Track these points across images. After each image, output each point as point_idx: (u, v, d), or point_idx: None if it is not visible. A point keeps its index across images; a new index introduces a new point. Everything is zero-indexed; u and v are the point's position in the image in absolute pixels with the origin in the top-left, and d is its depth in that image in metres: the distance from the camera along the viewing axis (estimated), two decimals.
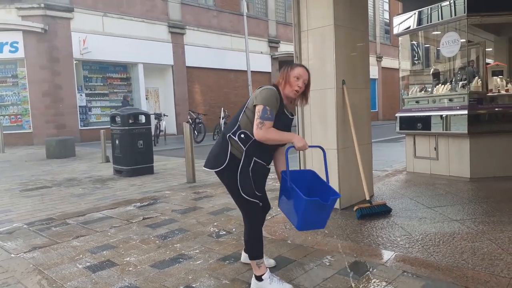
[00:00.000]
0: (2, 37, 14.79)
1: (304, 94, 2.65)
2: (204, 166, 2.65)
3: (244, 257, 2.99)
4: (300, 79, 2.56)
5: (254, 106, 2.46)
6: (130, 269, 2.99)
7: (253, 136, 2.46)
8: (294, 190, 2.42)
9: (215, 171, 2.57)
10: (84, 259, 3.22)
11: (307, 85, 2.63)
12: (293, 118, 2.71)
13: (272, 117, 2.44)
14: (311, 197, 2.40)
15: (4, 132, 13.06)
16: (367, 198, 4.18)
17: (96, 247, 3.49)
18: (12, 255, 3.39)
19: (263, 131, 2.41)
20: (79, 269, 3.01)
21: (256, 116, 2.44)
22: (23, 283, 2.81)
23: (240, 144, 2.51)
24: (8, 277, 2.94)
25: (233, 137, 2.53)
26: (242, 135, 2.52)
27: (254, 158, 2.55)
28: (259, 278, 2.55)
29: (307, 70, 2.63)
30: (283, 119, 2.57)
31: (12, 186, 6.77)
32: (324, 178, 2.66)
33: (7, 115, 15.53)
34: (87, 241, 3.67)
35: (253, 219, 2.60)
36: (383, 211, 4.09)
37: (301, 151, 4.36)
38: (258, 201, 2.60)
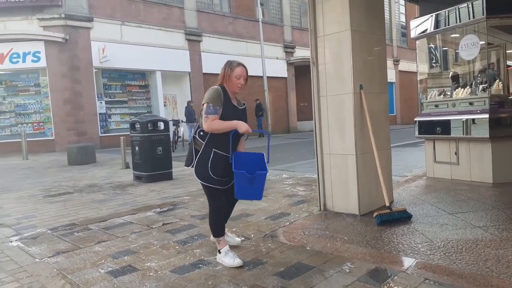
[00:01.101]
0: (24, 47, 15.24)
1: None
2: (185, 165, 3.23)
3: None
4: (241, 78, 3.08)
5: (203, 105, 2.98)
6: (151, 274, 3.03)
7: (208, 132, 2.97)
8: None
9: (191, 166, 3.10)
10: (106, 264, 3.27)
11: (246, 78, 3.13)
12: (244, 108, 3.23)
13: (216, 111, 2.95)
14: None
15: (27, 139, 13.40)
16: (387, 204, 4.14)
17: (118, 252, 3.55)
18: (37, 259, 3.47)
19: (208, 124, 2.94)
20: (101, 274, 3.07)
21: (202, 113, 2.97)
22: (47, 287, 2.88)
23: (200, 140, 3.06)
24: (33, 281, 3.01)
25: (195, 135, 3.08)
26: (201, 133, 3.06)
27: (214, 149, 3.04)
28: (219, 251, 3.18)
29: (245, 67, 3.13)
30: (232, 110, 3.08)
31: (36, 192, 6.94)
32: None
33: (30, 122, 15.95)
34: (108, 246, 3.73)
35: (215, 203, 3.15)
36: (403, 217, 4.04)
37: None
38: (219, 186, 3.09)
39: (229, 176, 3.13)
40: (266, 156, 3.14)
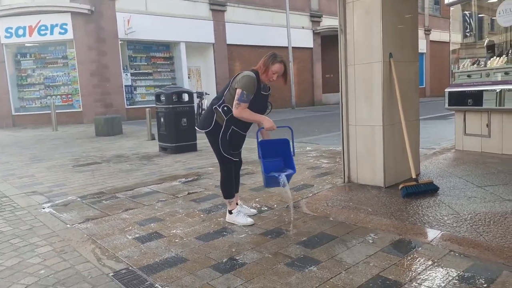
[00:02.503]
0: (52, 19, 15.42)
1: (284, 76, 3.24)
2: (196, 127, 3.46)
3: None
4: (276, 74, 3.17)
5: (235, 88, 3.11)
6: (177, 240, 3.11)
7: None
8: (261, 162, 3.18)
9: (204, 131, 3.29)
10: (133, 231, 3.37)
11: (284, 73, 3.22)
12: (269, 94, 3.37)
13: (247, 100, 3.09)
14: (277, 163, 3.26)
15: (56, 111, 13.76)
16: (413, 176, 4.06)
17: (144, 220, 3.65)
18: (68, 225, 3.61)
19: (238, 111, 3.10)
20: (129, 240, 3.17)
21: (235, 98, 3.10)
22: (78, 251, 3.00)
23: (223, 114, 3.21)
24: (65, 245, 3.14)
25: (218, 108, 3.22)
26: (225, 108, 3.21)
27: (232, 126, 3.25)
28: (230, 212, 3.43)
29: (285, 65, 3.21)
30: (259, 98, 3.22)
31: (65, 162, 7.17)
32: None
33: (59, 94, 16.33)
34: (135, 214, 3.84)
35: (227, 170, 3.37)
36: (429, 190, 3.96)
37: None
38: (232, 158, 3.33)
39: (240, 150, 3.47)
40: (292, 149, 3.25)
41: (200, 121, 3.39)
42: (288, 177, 3.17)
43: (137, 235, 3.27)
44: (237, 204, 3.53)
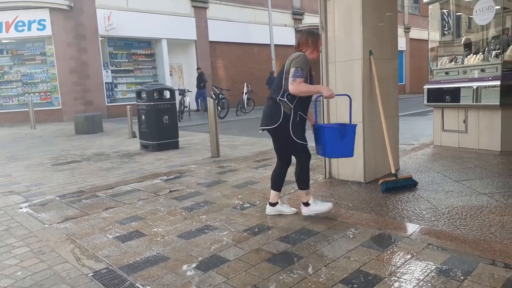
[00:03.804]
0: (30, 15, 15.07)
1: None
2: (261, 127, 3.32)
3: (269, 209, 3.52)
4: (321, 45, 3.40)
5: (291, 69, 3.12)
6: (158, 239, 3.08)
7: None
8: (319, 127, 3.33)
9: (271, 128, 3.24)
10: (114, 230, 3.33)
11: None
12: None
13: (302, 75, 3.10)
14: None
15: (34, 109, 13.46)
16: (393, 172, 4.12)
17: (125, 218, 3.61)
18: (46, 225, 3.54)
19: (295, 86, 3.09)
20: (109, 239, 3.13)
21: (288, 76, 3.13)
22: (57, 252, 2.95)
23: (289, 103, 3.19)
24: (43, 245, 3.08)
25: (282, 98, 3.20)
26: (289, 96, 3.19)
27: (299, 112, 3.23)
28: (306, 204, 3.37)
29: None
30: (310, 79, 3.23)
31: (44, 160, 7.03)
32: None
33: (37, 92, 15.98)
34: (116, 213, 3.79)
35: (306, 158, 3.33)
36: (408, 185, 4.03)
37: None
38: (307, 143, 3.28)
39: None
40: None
41: (264, 119, 3.31)
42: (352, 133, 3.31)
43: (117, 234, 3.23)
44: (276, 203, 3.50)
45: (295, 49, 3.35)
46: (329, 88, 3.24)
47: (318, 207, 3.36)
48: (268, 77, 20.26)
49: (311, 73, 3.28)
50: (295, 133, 3.21)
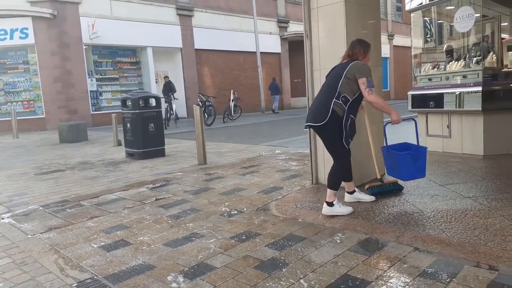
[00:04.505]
0: (12, 24, 14.85)
1: None
2: (307, 123, 3.47)
3: (348, 197, 3.81)
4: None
5: (357, 78, 3.31)
6: (144, 248, 3.04)
7: (351, 98, 3.35)
8: (394, 154, 3.59)
9: (317, 125, 3.38)
10: (99, 239, 3.28)
11: None
12: None
13: (374, 85, 3.36)
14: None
15: (17, 118, 13.22)
16: (378, 177, 4.16)
17: (110, 228, 3.56)
18: (29, 235, 3.47)
19: (374, 96, 3.34)
20: (94, 249, 3.08)
21: (363, 87, 3.31)
22: (40, 262, 2.88)
23: (343, 105, 3.34)
24: (26, 256, 3.01)
25: (337, 100, 3.34)
26: (343, 98, 3.34)
27: (351, 115, 3.40)
28: (330, 204, 3.46)
29: None
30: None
31: (27, 170, 6.90)
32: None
33: (20, 101, 15.70)
34: (101, 222, 3.73)
35: (345, 160, 3.51)
36: (394, 189, 4.07)
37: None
38: (348, 146, 3.44)
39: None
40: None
41: (310, 115, 3.45)
42: (424, 156, 3.63)
43: (102, 243, 3.17)
44: (354, 191, 3.77)
45: (348, 57, 3.51)
46: (398, 113, 3.40)
47: (342, 209, 3.48)
48: (271, 82, 20.66)
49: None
50: (346, 135, 3.38)
